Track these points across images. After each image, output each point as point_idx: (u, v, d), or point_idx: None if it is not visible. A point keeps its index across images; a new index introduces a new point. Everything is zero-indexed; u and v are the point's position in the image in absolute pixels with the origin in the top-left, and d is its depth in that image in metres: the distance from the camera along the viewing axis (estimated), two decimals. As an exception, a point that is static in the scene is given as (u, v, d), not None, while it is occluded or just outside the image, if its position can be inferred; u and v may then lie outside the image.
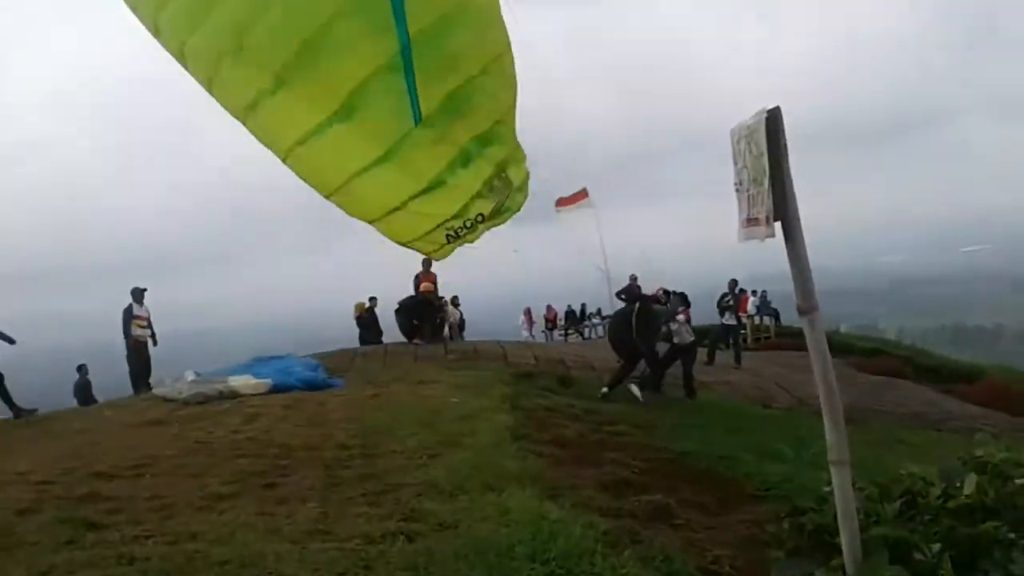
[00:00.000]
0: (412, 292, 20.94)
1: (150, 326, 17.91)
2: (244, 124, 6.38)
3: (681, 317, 14.84)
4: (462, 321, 27.33)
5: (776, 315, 31.36)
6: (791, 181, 3.14)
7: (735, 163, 3.44)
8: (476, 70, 5.92)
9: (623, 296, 23.16)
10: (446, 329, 23.56)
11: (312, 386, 13.44)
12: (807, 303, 3.46)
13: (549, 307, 33.37)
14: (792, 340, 26.02)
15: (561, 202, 31.11)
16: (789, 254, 3.36)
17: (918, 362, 27.03)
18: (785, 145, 3.07)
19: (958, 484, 3.97)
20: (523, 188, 7.37)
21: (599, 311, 33.11)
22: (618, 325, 15.20)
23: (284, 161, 6.45)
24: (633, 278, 23.37)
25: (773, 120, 3.15)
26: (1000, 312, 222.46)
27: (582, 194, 31.14)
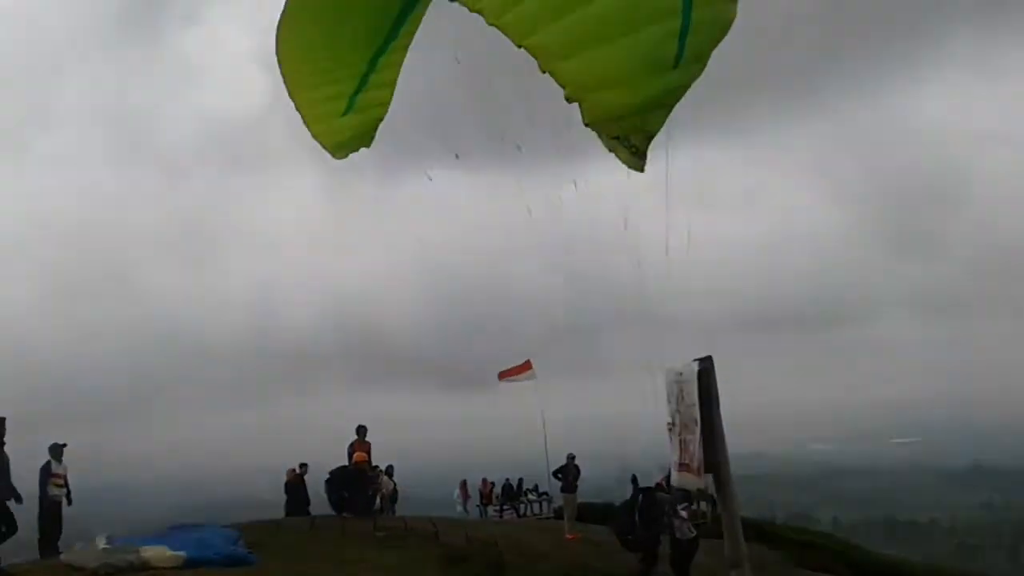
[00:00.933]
0: (345, 461, 20.58)
1: (66, 484, 16.94)
2: None
3: (684, 513, 14.50)
4: (394, 492, 26.61)
5: (712, 500, 31.00)
6: (722, 433, 3.31)
7: (668, 401, 3.59)
8: None
9: (559, 475, 22.94)
10: (377, 501, 22.96)
11: (231, 561, 12.81)
12: (734, 555, 3.53)
13: (485, 480, 32.71)
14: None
15: (504, 374, 31.23)
16: (719, 504, 3.47)
17: (851, 557, 26.93)
18: (717, 396, 3.24)
19: None
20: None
21: (536, 487, 32.59)
22: (622, 516, 15.05)
23: None
24: (571, 457, 23.26)
25: (705, 373, 3.34)
26: (932, 506, 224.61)
27: (526, 366, 31.32)
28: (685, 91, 4.40)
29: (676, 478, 3.33)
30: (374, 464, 22.16)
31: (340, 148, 6.50)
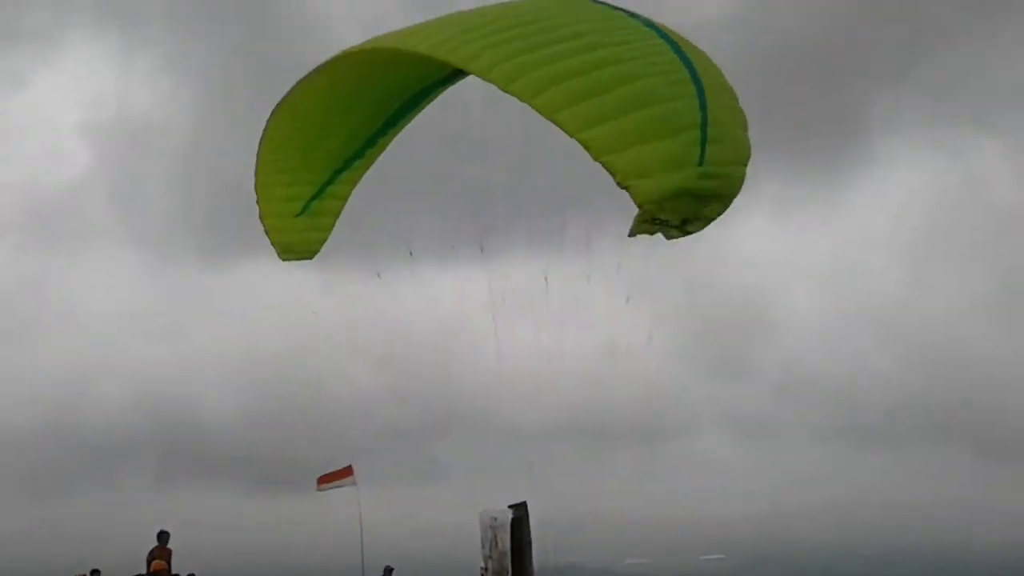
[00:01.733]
0: (143, 569, 19.25)
1: None
2: None
3: None
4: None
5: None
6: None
7: (482, 545, 3.73)
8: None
9: None
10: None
11: None
12: None
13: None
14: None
15: (323, 480, 30.21)
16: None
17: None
18: (529, 544, 3.42)
19: None
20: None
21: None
22: None
23: None
24: (388, 570, 22.64)
25: (517, 523, 3.55)
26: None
27: (346, 471, 30.44)
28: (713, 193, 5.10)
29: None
30: (174, 573, 20.76)
31: (288, 250, 6.66)
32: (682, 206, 5.02)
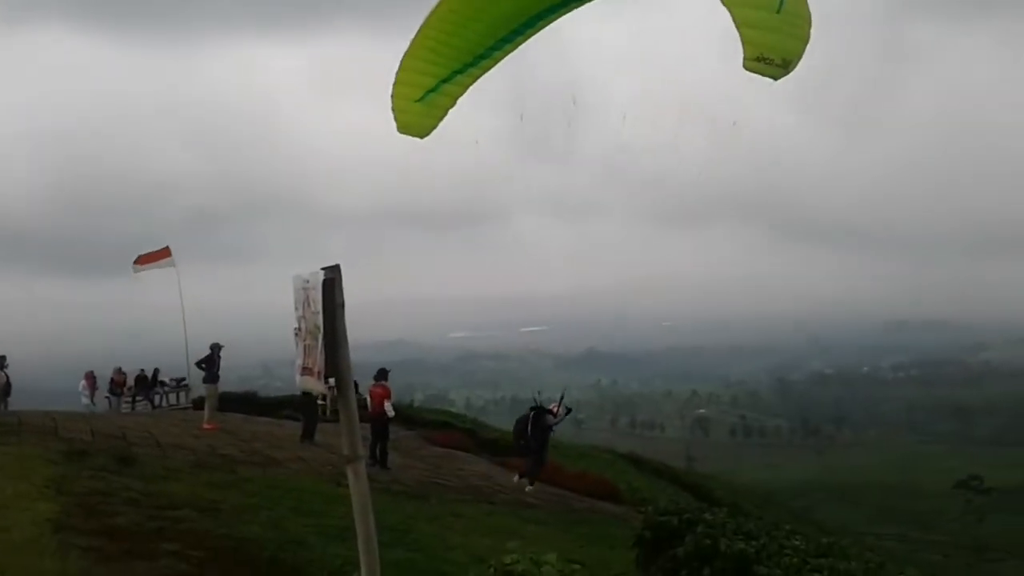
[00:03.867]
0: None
1: None
2: None
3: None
4: (7, 385, 24.14)
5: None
6: (345, 340, 3.65)
7: (296, 307, 3.84)
8: None
9: (202, 365, 22.38)
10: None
11: None
12: (352, 452, 3.97)
13: (118, 370, 30.69)
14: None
15: (140, 260, 29.26)
16: (339, 406, 3.87)
17: (480, 435, 29.63)
18: (342, 305, 3.54)
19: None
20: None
21: (181, 378, 31.17)
22: (517, 427, 18.69)
23: None
24: (215, 347, 22.73)
25: (329, 284, 3.65)
26: (548, 387, 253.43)
27: (164, 252, 29.64)
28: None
29: (299, 381, 3.74)
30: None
31: (404, 127, 7.30)
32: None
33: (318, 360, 3.57)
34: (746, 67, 5.90)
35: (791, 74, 5.96)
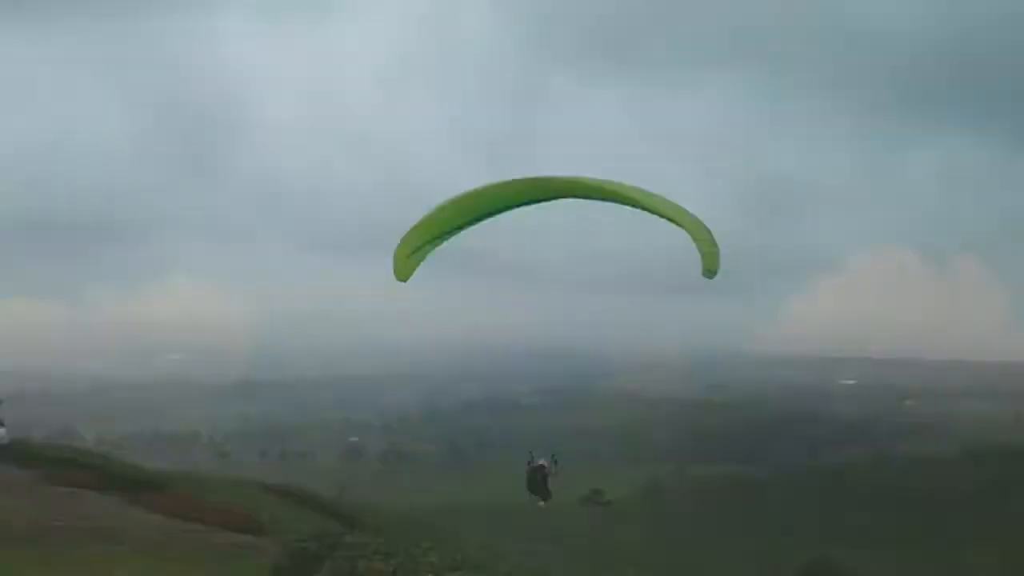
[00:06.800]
0: None
1: None
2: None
3: None
4: None
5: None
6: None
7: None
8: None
9: None
10: None
11: None
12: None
13: None
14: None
15: None
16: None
17: (110, 471, 27.53)
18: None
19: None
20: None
21: None
22: None
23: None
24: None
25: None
26: (196, 420, 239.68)
27: None
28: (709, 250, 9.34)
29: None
30: None
31: (397, 273, 10.98)
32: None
33: None
34: (705, 275, 9.10)
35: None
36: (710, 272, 9.18)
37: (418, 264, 11.10)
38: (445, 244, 11.37)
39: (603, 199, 10.32)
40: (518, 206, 11.08)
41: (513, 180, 10.76)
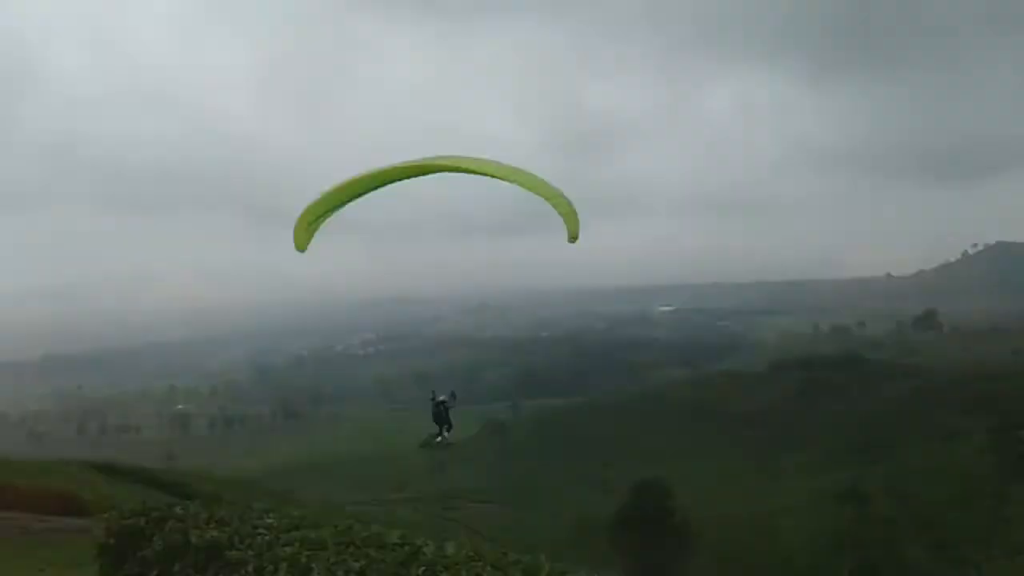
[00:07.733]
0: None
1: None
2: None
3: None
4: None
5: None
6: None
7: None
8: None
9: None
10: None
11: None
12: None
13: None
14: None
15: None
16: None
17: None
18: None
19: None
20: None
21: None
22: None
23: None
24: None
25: None
26: (0, 400, 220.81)
27: None
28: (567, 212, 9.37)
29: None
30: None
31: (297, 244, 10.90)
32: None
33: None
34: (570, 240, 9.28)
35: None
36: (574, 238, 9.52)
37: (308, 241, 11.15)
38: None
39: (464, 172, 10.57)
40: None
41: (403, 165, 10.60)
